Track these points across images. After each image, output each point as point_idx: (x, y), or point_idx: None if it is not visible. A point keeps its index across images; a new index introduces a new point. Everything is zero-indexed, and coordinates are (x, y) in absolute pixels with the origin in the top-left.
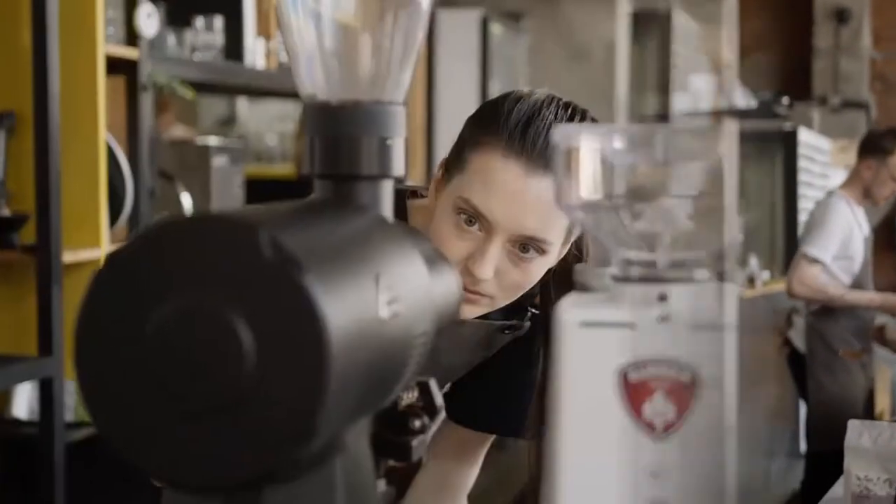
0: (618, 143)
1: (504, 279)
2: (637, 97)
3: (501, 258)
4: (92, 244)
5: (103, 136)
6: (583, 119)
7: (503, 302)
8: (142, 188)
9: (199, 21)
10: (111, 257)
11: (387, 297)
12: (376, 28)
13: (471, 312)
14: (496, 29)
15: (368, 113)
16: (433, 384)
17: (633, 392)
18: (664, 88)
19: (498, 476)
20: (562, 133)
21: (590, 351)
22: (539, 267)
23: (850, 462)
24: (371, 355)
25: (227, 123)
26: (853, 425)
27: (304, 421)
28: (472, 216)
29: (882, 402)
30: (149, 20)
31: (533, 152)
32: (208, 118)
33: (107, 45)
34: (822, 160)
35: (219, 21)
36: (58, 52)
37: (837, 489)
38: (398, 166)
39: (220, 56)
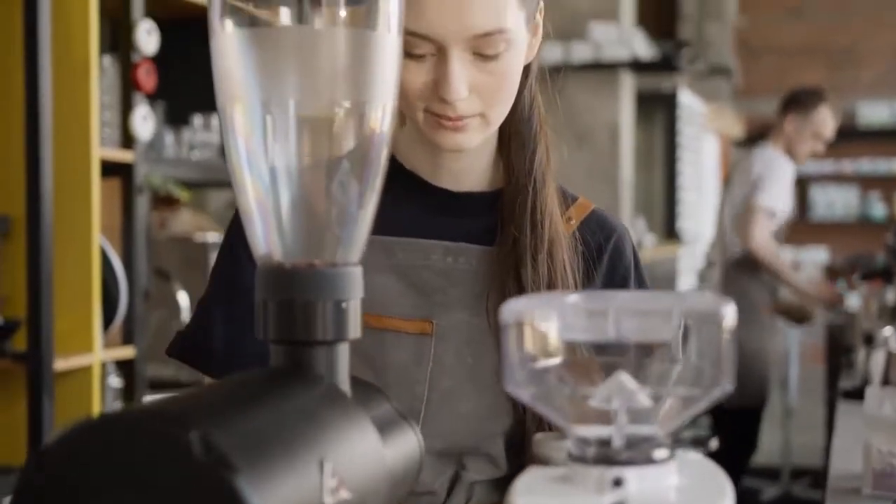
0: (569, 319)
1: (482, 91)
2: (644, 177)
3: (468, 71)
4: (85, 350)
5: (97, 240)
6: None
7: (497, 117)
8: (136, 290)
9: (197, 119)
10: (38, 456)
11: (333, 482)
12: (331, 188)
13: (469, 141)
14: None
15: (323, 276)
16: None
17: None
18: (671, 165)
19: None
20: (510, 308)
21: None
22: (512, 62)
23: (869, 434)
24: None
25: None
26: (872, 392)
27: None
28: (415, 47)
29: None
30: (144, 123)
31: None
32: (218, 200)
33: (102, 148)
34: (699, 123)
35: (216, 119)
36: (51, 155)
37: (852, 464)
38: (355, 328)
39: (217, 154)
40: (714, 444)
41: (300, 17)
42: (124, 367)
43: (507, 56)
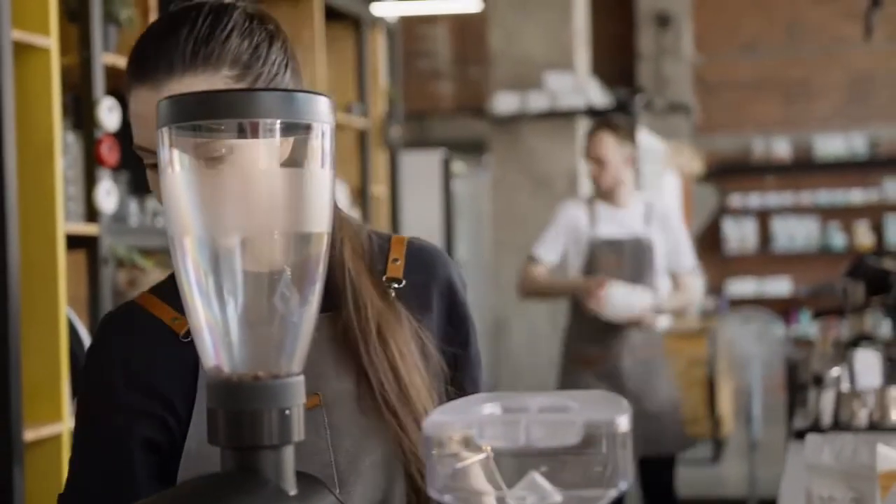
0: (485, 428)
1: None
2: None
3: None
4: (54, 420)
5: (64, 312)
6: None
7: None
8: None
9: None
10: None
11: None
12: (273, 308)
13: None
14: (458, 167)
15: (268, 387)
16: None
17: None
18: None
19: None
20: (431, 422)
21: None
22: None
23: (811, 481)
24: None
25: None
26: (812, 439)
27: None
28: (146, 158)
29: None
30: (108, 197)
31: (158, 68)
32: None
33: (67, 222)
34: (658, 161)
35: None
36: (17, 230)
37: None
38: (298, 432)
39: None
40: None
41: (242, 153)
42: None
43: (230, 159)
